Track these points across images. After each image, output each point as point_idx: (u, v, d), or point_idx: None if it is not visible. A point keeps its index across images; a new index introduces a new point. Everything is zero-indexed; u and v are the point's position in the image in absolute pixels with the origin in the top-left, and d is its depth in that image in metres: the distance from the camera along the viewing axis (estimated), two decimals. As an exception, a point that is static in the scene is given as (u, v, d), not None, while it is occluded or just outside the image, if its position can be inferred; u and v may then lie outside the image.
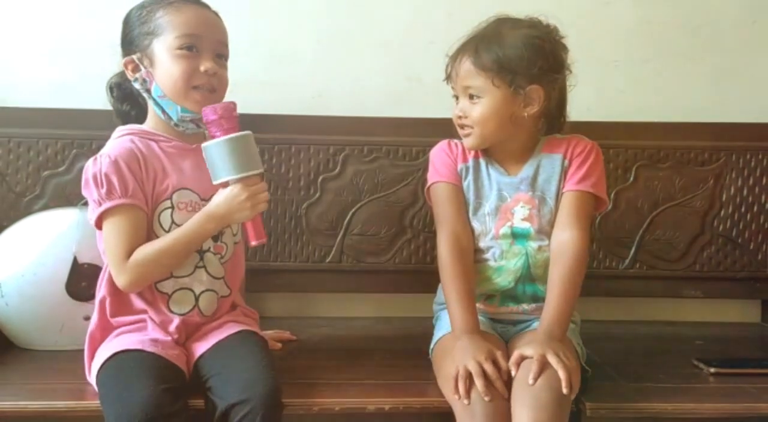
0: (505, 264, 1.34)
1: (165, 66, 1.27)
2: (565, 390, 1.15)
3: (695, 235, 1.76)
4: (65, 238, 1.47)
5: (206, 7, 1.33)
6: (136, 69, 1.31)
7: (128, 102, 1.36)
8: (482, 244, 1.35)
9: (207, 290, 1.32)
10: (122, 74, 1.35)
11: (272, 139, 1.70)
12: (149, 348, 1.23)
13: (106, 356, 1.23)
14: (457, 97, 1.36)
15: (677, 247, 1.76)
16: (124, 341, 1.25)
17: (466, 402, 1.15)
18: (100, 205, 1.25)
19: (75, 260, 1.46)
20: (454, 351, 1.23)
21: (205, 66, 1.27)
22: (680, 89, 1.82)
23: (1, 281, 1.46)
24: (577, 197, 1.33)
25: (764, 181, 1.76)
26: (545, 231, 1.34)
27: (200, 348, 1.28)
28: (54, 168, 1.66)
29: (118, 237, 1.25)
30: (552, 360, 1.17)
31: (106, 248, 1.27)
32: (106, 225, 1.26)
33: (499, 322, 1.38)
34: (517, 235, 1.34)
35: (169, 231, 1.29)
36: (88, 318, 1.41)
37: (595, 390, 1.28)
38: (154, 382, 1.15)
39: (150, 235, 1.29)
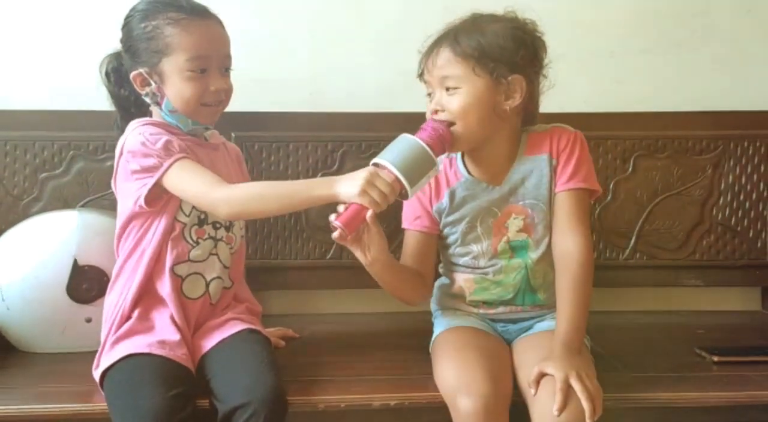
0: (503, 279, 1.33)
1: (176, 86, 1.29)
2: (588, 421, 1.11)
3: (694, 224, 1.76)
4: (65, 241, 1.47)
5: (211, 18, 1.33)
6: (144, 82, 1.31)
7: (126, 87, 1.36)
8: (482, 263, 1.34)
9: (216, 278, 1.34)
10: (117, 57, 1.36)
11: (270, 136, 1.70)
12: (157, 352, 1.22)
13: (114, 359, 1.23)
14: (429, 95, 1.29)
15: (677, 237, 1.76)
16: (132, 344, 1.24)
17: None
18: (162, 164, 1.23)
19: (75, 262, 1.46)
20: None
21: (215, 86, 1.30)
22: (676, 78, 1.82)
23: (2, 285, 1.45)
24: (572, 196, 1.28)
25: (762, 168, 1.76)
26: (543, 239, 1.31)
27: (205, 345, 1.29)
28: (51, 170, 1.65)
29: (196, 173, 1.23)
30: (576, 386, 1.12)
31: (188, 188, 1.23)
32: (174, 177, 1.23)
33: (498, 322, 1.38)
34: (515, 248, 1.32)
35: (189, 216, 1.30)
36: (89, 320, 1.41)
37: (598, 381, 1.27)
38: (164, 389, 1.14)
39: (173, 222, 1.29)
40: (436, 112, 1.26)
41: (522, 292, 1.34)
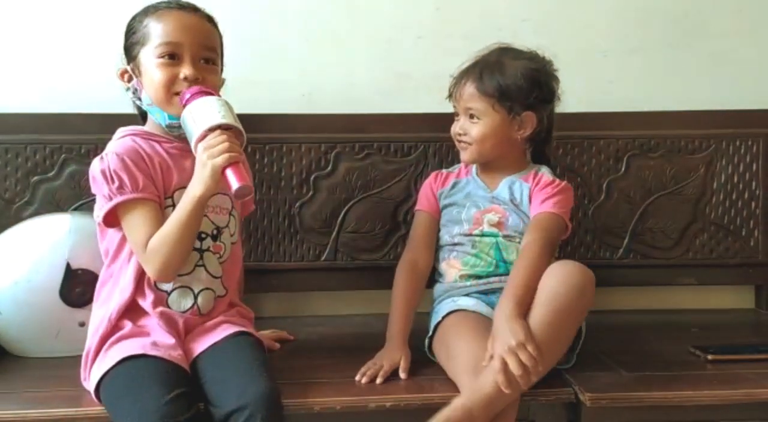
0: (479, 251, 1.44)
1: (149, 74, 1.28)
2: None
3: (688, 223, 1.77)
4: (58, 244, 1.46)
5: (193, 11, 1.32)
6: (129, 79, 1.32)
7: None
8: (458, 240, 1.46)
9: (205, 289, 1.32)
10: None
11: (263, 138, 1.69)
12: (152, 353, 1.22)
13: (110, 364, 1.21)
14: (457, 114, 1.47)
15: (670, 236, 1.77)
16: (126, 347, 1.23)
17: (364, 380, 1.28)
18: (111, 199, 1.25)
19: (68, 266, 1.45)
20: (380, 352, 1.35)
21: (184, 73, 1.27)
22: (669, 78, 1.83)
23: (-6, 289, 1.44)
24: (543, 216, 1.41)
25: (754, 167, 1.77)
26: (513, 240, 1.43)
27: (196, 349, 1.28)
28: (43, 173, 1.64)
29: (136, 230, 1.25)
30: (511, 363, 1.18)
31: (130, 243, 1.27)
32: (124, 222, 1.27)
33: (492, 294, 1.41)
34: (486, 236, 1.45)
35: None
36: (83, 324, 1.40)
37: (593, 380, 1.29)
38: (165, 389, 1.13)
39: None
40: (460, 134, 1.46)
41: (498, 265, 1.43)
